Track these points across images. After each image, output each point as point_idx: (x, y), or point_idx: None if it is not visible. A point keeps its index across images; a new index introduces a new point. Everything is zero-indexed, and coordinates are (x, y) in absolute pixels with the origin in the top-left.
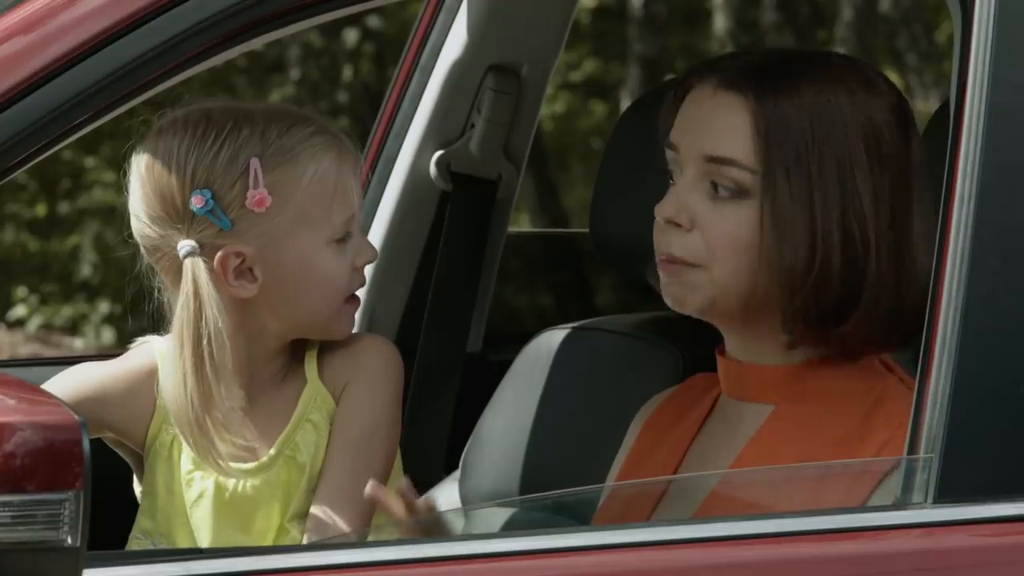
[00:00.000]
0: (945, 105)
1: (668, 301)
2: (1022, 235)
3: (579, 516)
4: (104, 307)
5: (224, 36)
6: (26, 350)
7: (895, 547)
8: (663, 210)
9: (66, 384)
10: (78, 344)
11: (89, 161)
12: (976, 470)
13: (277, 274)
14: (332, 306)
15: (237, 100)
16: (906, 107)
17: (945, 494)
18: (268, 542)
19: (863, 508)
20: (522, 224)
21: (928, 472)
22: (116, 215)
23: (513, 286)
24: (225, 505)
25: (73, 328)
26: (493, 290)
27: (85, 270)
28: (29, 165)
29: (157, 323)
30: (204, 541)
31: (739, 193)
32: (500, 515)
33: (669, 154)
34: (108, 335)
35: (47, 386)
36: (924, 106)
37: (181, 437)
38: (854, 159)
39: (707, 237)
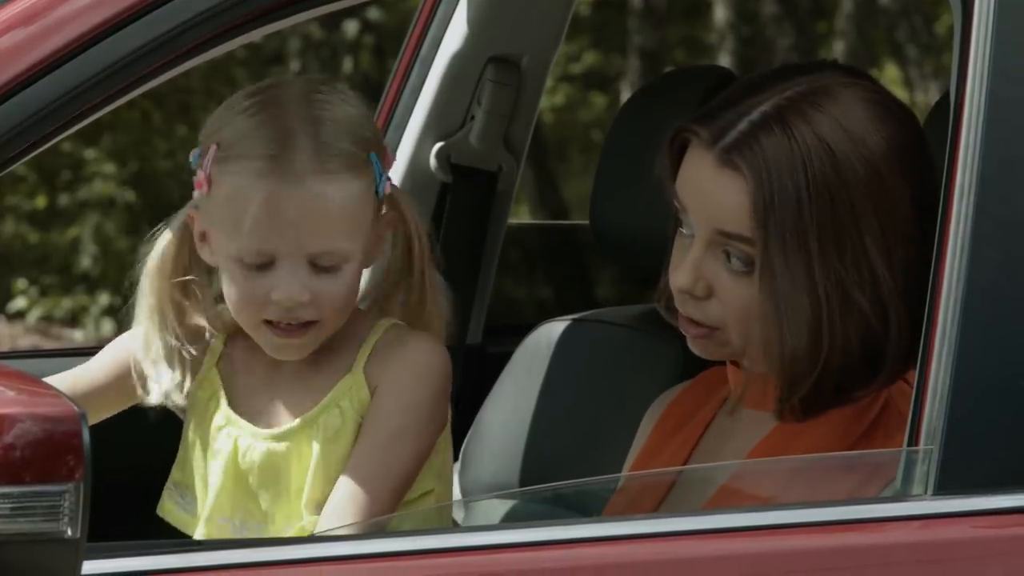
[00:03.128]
0: (945, 97)
1: (694, 350)
2: (1022, 227)
3: (579, 507)
4: (104, 299)
5: (224, 28)
6: (26, 342)
7: (895, 539)
8: (678, 281)
9: (125, 346)
10: (78, 336)
11: (89, 153)
12: (976, 462)
13: (216, 259)
14: (243, 317)
15: (311, 85)
16: (912, 136)
17: (945, 486)
18: (277, 516)
19: (863, 500)
20: (522, 216)
21: (928, 464)
22: (116, 207)
23: (513, 278)
24: (237, 466)
25: (73, 320)
26: (493, 282)
27: (85, 262)
28: (29, 157)
29: None
30: (212, 500)
31: (752, 265)
32: (500, 507)
33: (680, 212)
34: (108, 327)
35: (109, 349)
36: (924, 98)
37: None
38: (861, 223)
39: (724, 305)
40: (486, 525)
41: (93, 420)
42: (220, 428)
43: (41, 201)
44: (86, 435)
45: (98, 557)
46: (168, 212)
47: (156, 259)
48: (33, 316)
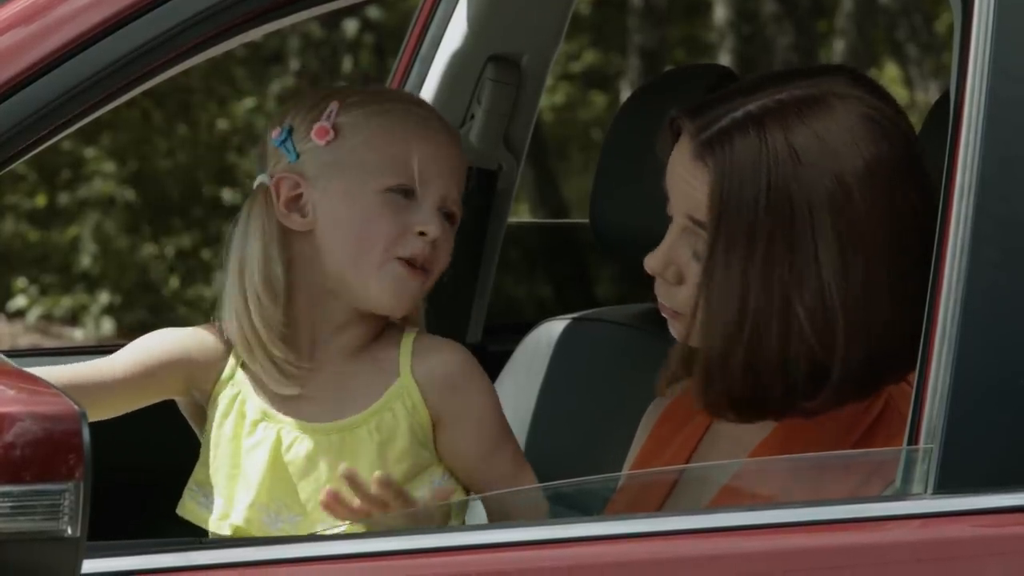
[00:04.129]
0: (945, 96)
1: (673, 335)
2: (1022, 227)
3: (579, 506)
4: (104, 298)
5: (223, 26)
6: (26, 341)
7: (895, 537)
8: (649, 263)
9: (153, 344)
10: (78, 335)
11: (89, 151)
12: (976, 461)
13: (325, 211)
14: (370, 256)
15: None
16: (901, 150)
17: (945, 485)
18: (315, 508)
19: (863, 499)
20: (522, 214)
21: (928, 462)
22: (116, 206)
23: (513, 276)
24: (279, 458)
25: (73, 319)
26: (493, 280)
27: (85, 261)
28: (29, 155)
29: (156, 314)
30: (250, 492)
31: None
32: None
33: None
34: (108, 326)
35: (135, 346)
36: (924, 97)
37: (246, 358)
38: (817, 233)
39: (692, 292)
40: (485, 524)
41: (114, 412)
42: (257, 422)
43: (41, 200)
44: (86, 434)
45: (98, 556)
46: (168, 211)
47: (258, 251)
48: (33, 315)
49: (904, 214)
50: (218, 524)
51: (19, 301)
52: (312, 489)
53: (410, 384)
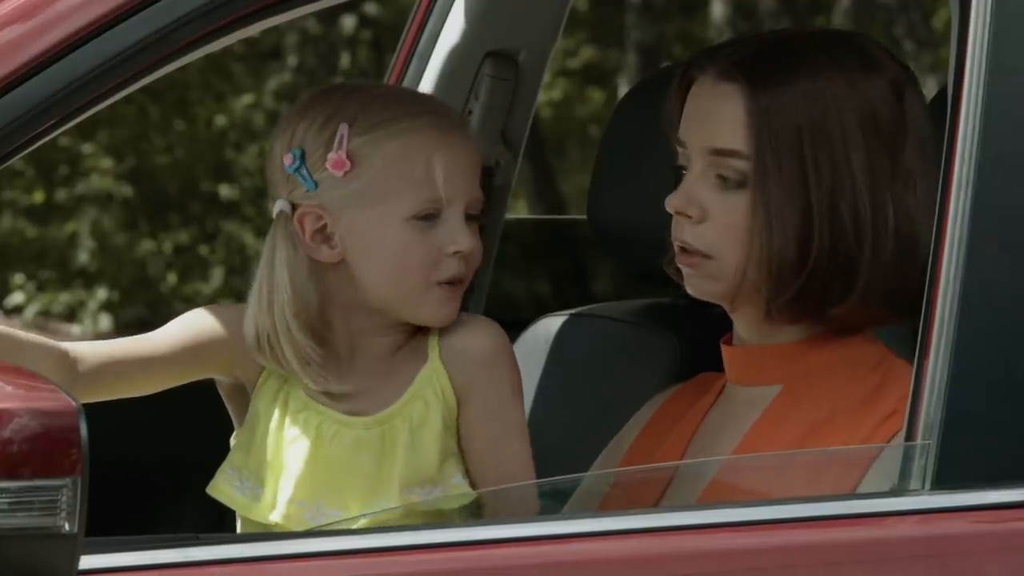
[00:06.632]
0: (943, 91)
1: (689, 291)
2: (1019, 221)
3: (578, 502)
4: (101, 294)
5: (221, 23)
6: None
7: (892, 533)
8: (672, 202)
9: (196, 322)
10: (75, 331)
11: (86, 148)
12: (973, 456)
13: (354, 243)
14: (411, 285)
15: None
16: (906, 77)
17: (942, 480)
18: (356, 500)
19: (860, 495)
20: (520, 211)
21: (926, 458)
22: (114, 202)
23: (511, 272)
24: (321, 450)
25: (71, 315)
26: (491, 276)
27: (82, 257)
28: (27, 152)
29: (154, 310)
30: (290, 485)
31: (743, 182)
32: None
33: (680, 150)
34: (105, 322)
35: (179, 322)
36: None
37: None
38: (849, 140)
39: (717, 227)
40: (482, 520)
41: (153, 389)
42: (299, 412)
43: (39, 196)
44: (84, 430)
45: (96, 552)
46: (165, 207)
47: (286, 283)
48: (31, 311)
49: (919, 134)
50: (262, 514)
51: (16, 297)
52: (352, 481)
53: (438, 367)
